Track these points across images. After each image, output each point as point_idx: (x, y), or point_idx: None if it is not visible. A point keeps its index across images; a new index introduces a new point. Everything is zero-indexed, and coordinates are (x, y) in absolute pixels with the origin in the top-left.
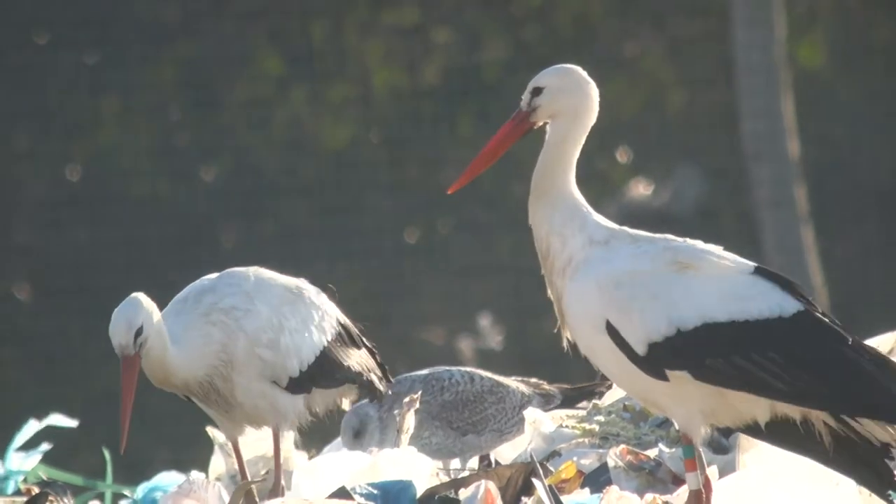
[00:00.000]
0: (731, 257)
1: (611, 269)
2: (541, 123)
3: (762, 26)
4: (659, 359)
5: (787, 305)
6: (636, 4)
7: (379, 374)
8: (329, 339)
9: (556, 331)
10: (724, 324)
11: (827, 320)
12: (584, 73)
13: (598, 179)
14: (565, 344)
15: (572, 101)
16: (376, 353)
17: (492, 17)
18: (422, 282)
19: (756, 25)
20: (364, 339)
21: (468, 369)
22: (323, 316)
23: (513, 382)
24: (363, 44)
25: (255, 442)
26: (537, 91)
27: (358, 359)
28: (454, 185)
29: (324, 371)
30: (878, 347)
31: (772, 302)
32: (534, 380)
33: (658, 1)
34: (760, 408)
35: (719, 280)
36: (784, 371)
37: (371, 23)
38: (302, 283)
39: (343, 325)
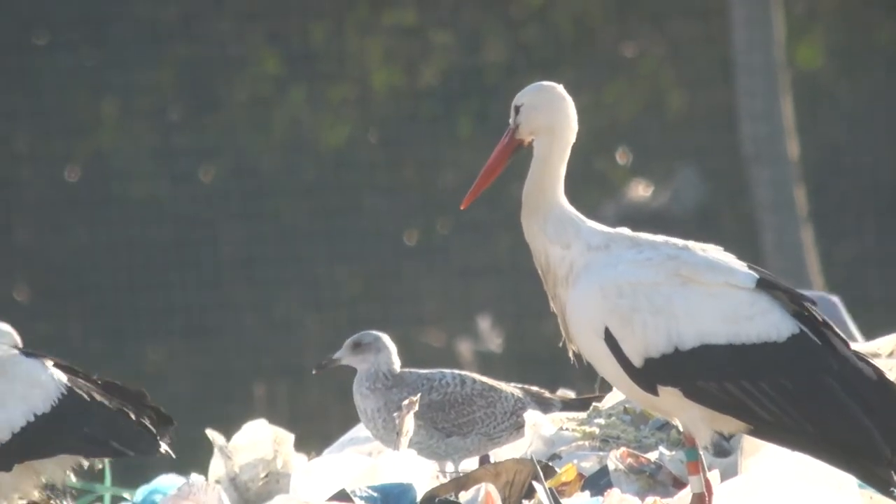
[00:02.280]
0: (734, 266)
1: (615, 276)
2: (529, 140)
3: (761, 28)
4: (653, 374)
5: (783, 328)
6: (636, 6)
7: (124, 436)
8: (40, 412)
9: (561, 345)
10: (721, 346)
11: (820, 341)
12: (560, 90)
13: (597, 181)
14: (571, 356)
15: (547, 119)
16: (137, 412)
17: (491, 18)
18: (421, 283)
19: (755, 27)
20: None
21: (463, 373)
22: (31, 389)
23: (508, 388)
24: (362, 44)
25: (253, 445)
26: (517, 109)
27: (92, 425)
28: (466, 200)
29: (30, 446)
30: (879, 350)
31: (770, 324)
32: (535, 388)
33: (657, 2)
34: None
35: (721, 298)
36: (772, 402)
37: (370, 23)
38: (7, 358)
39: (72, 392)
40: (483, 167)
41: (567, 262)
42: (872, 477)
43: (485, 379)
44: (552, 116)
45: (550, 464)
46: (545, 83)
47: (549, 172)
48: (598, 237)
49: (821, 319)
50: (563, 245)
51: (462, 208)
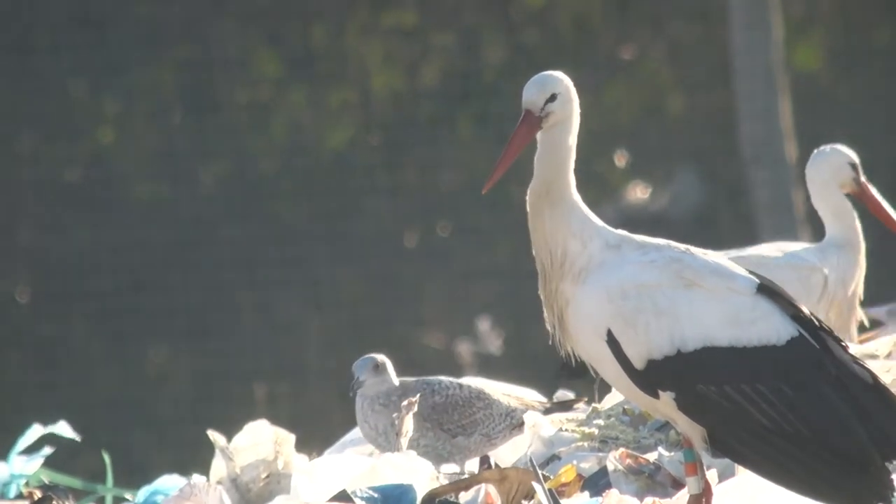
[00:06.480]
0: (736, 270)
1: (621, 277)
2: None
3: (760, 29)
4: (654, 376)
5: (783, 331)
6: (635, 8)
7: None
8: None
9: (551, 342)
10: (723, 349)
11: (818, 345)
12: None
13: (596, 183)
14: (564, 354)
15: (573, 107)
16: None
17: (491, 20)
18: (421, 285)
19: (754, 29)
20: None
21: (454, 379)
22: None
23: (498, 394)
24: (362, 46)
25: (254, 446)
26: (553, 97)
27: None
28: (487, 184)
29: None
30: (877, 351)
31: (770, 327)
32: (517, 393)
33: (657, 4)
34: None
35: (724, 301)
36: (770, 406)
37: (370, 25)
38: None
39: None
40: (504, 153)
41: (585, 256)
42: (851, 496)
43: (476, 385)
44: (576, 104)
45: (548, 466)
46: (557, 73)
47: (569, 161)
48: (613, 236)
49: (818, 323)
50: (585, 239)
51: (483, 192)
